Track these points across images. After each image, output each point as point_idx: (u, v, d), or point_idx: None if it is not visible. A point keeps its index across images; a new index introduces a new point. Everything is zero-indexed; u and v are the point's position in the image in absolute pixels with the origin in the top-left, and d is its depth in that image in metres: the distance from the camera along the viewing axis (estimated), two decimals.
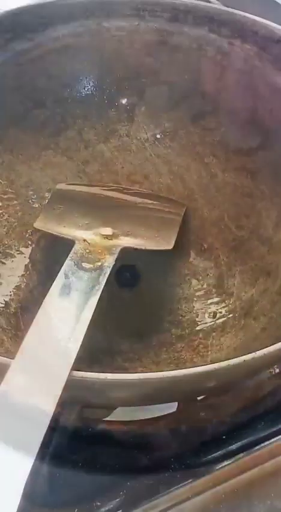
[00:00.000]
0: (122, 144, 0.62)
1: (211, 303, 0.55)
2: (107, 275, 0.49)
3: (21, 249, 0.58)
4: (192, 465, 0.48)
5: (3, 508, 0.32)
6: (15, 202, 0.59)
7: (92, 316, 0.44)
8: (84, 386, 0.38)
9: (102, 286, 0.47)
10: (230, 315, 0.54)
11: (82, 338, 0.41)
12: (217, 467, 0.48)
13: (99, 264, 0.50)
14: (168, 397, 0.44)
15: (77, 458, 0.47)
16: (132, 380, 0.38)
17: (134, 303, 0.56)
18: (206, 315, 0.54)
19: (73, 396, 0.41)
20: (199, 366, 0.38)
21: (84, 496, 0.46)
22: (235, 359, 0.38)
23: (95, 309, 0.45)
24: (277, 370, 0.52)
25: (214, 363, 0.38)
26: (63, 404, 0.44)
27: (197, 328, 0.54)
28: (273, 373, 0.53)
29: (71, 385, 0.37)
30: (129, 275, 0.56)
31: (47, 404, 0.36)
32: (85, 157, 0.62)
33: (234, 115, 0.59)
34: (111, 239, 0.53)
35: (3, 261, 0.56)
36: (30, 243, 0.58)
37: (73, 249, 0.51)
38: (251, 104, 0.58)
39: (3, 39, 0.58)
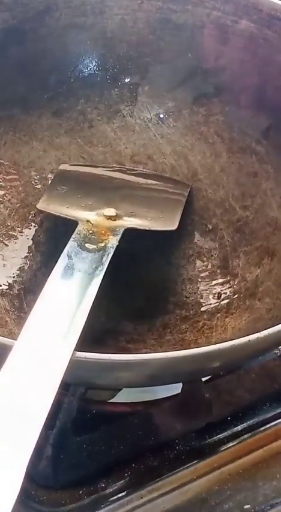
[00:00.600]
0: (126, 124, 0.62)
1: (215, 284, 0.55)
2: (110, 256, 0.48)
3: (24, 230, 0.57)
4: (197, 446, 0.48)
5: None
6: (18, 183, 0.59)
7: (95, 297, 0.44)
8: (87, 367, 0.38)
9: (106, 267, 0.47)
10: (235, 296, 0.53)
11: (85, 319, 0.41)
12: (222, 449, 0.48)
13: (103, 244, 0.50)
14: (172, 378, 0.44)
15: (82, 440, 0.47)
16: (136, 360, 0.38)
17: (138, 284, 0.55)
18: (211, 296, 0.54)
19: (77, 377, 0.41)
20: (203, 347, 0.38)
21: (88, 478, 0.46)
22: (240, 339, 0.38)
23: (98, 290, 0.44)
24: None
25: (218, 344, 0.38)
26: (67, 385, 0.44)
27: (202, 309, 0.53)
28: (278, 353, 0.53)
29: (74, 366, 0.37)
30: (133, 256, 0.55)
31: (50, 385, 0.36)
32: (88, 138, 0.62)
33: (239, 94, 0.59)
34: (114, 220, 0.53)
35: (6, 242, 0.56)
36: (33, 224, 0.58)
37: (76, 229, 0.51)
38: (257, 83, 0.57)
39: (5, 18, 0.57)
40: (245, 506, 0.45)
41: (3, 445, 0.33)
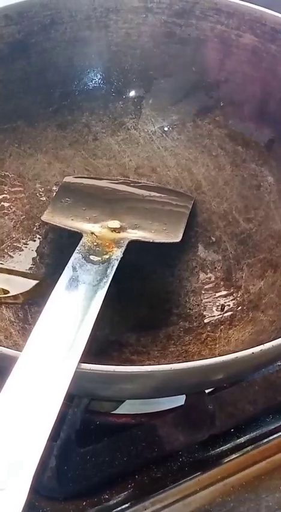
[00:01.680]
0: (130, 137, 0.62)
1: (219, 296, 0.55)
2: (114, 268, 0.48)
3: (28, 242, 0.58)
4: (200, 458, 0.49)
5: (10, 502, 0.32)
6: (22, 195, 0.59)
7: (100, 308, 0.44)
8: (92, 378, 0.38)
9: (110, 279, 0.47)
10: (238, 308, 0.54)
11: (90, 331, 0.41)
12: (225, 461, 0.49)
13: (107, 256, 0.50)
14: (176, 390, 0.44)
15: (85, 451, 0.47)
16: (140, 372, 0.38)
17: (142, 295, 0.56)
18: (214, 308, 0.54)
19: (81, 389, 0.41)
20: (207, 359, 0.38)
21: (92, 489, 0.46)
22: (243, 352, 0.38)
23: (102, 302, 0.44)
24: None
25: (222, 356, 0.38)
26: (71, 397, 0.44)
27: (205, 321, 0.54)
28: None
29: (79, 378, 0.37)
30: (136, 268, 0.56)
31: (55, 397, 0.36)
32: (93, 150, 0.62)
33: (242, 107, 0.59)
34: (119, 232, 0.53)
35: (11, 254, 0.56)
36: (37, 236, 0.58)
37: (81, 241, 0.51)
38: (260, 96, 0.58)
39: (11, 32, 0.58)
40: None
41: (9, 457, 0.33)
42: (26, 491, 0.32)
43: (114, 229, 0.53)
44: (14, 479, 0.32)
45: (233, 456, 0.49)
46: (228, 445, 0.49)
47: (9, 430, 0.35)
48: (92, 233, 0.52)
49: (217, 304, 0.54)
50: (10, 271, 0.55)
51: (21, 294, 0.54)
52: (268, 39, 0.57)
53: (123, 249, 0.51)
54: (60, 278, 0.46)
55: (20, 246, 0.57)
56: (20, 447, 0.34)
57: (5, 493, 0.32)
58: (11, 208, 0.58)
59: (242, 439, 0.49)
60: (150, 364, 0.50)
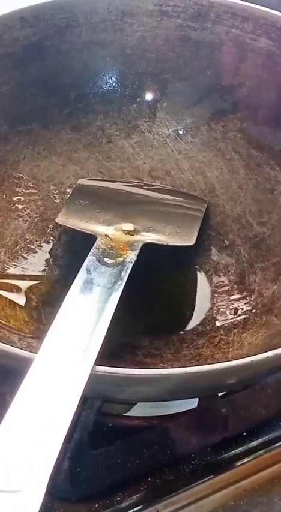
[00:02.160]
0: (144, 140, 0.63)
1: (232, 300, 0.55)
2: (129, 270, 0.49)
3: (42, 244, 0.58)
4: (213, 461, 0.48)
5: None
6: (37, 197, 0.60)
7: (114, 311, 0.44)
8: (107, 381, 0.38)
9: (125, 282, 0.47)
10: (252, 312, 0.54)
11: (105, 333, 0.41)
12: (238, 464, 0.48)
13: (121, 259, 0.50)
14: (189, 393, 0.44)
15: (98, 453, 0.47)
16: (156, 375, 0.38)
17: (155, 298, 0.56)
18: (228, 311, 0.54)
19: (96, 391, 0.41)
20: (220, 362, 0.38)
21: (105, 491, 0.46)
22: (258, 355, 0.38)
23: (116, 304, 0.45)
24: None
25: (235, 359, 0.38)
26: (85, 399, 0.44)
27: (218, 324, 0.54)
28: None
29: (94, 380, 0.37)
30: (150, 270, 0.56)
31: (70, 399, 0.36)
32: (107, 153, 0.62)
33: (257, 111, 0.59)
34: (133, 235, 0.53)
35: (25, 255, 0.57)
36: (51, 238, 0.58)
37: (95, 244, 0.51)
38: (275, 100, 0.58)
39: (26, 35, 0.58)
40: None
41: (26, 459, 0.34)
42: (43, 493, 0.32)
43: (128, 232, 0.54)
44: (30, 481, 0.33)
45: (246, 460, 0.49)
46: (240, 449, 0.49)
47: (25, 432, 0.35)
48: (106, 235, 0.53)
49: (230, 307, 0.54)
50: (24, 273, 0.56)
51: (35, 294, 0.54)
52: None
53: (137, 251, 0.51)
54: (75, 280, 0.46)
55: (34, 247, 0.57)
56: (36, 449, 0.34)
57: (22, 495, 0.32)
58: (25, 210, 0.59)
59: (254, 443, 0.49)
60: (163, 367, 0.50)
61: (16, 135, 0.59)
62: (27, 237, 0.58)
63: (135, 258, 0.50)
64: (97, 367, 0.38)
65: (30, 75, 0.59)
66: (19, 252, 0.57)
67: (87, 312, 0.43)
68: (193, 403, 0.49)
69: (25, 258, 0.56)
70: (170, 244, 0.54)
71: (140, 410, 0.50)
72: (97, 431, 0.48)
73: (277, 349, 0.38)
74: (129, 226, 0.54)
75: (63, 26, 0.59)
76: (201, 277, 0.57)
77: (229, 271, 0.57)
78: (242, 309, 0.54)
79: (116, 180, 0.61)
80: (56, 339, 0.40)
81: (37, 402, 0.36)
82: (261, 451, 0.49)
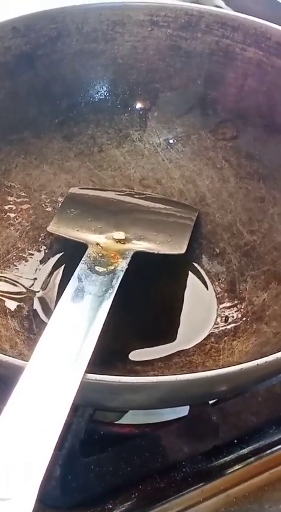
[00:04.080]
0: (135, 149, 0.63)
1: (223, 307, 0.55)
2: (120, 279, 0.49)
3: (34, 252, 0.58)
4: (203, 469, 0.49)
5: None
6: (28, 206, 0.60)
7: (105, 319, 0.44)
8: (98, 389, 0.38)
9: (116, 290, 0.47)
10: (242, 320, 0.54)
11: (95, 341, 0.42)
12: (228, 471, 0.49)
13: (112, 267, 0.50)
14: (180, 401, 0.45)
15: (89, 461, 0.47)
16: (146, 383, 0.38)
17: (147, 306, 0.56)
18: (218, 319, 0.54)
19: (87, 399, 0.41)
20: (211, 370, 0.38)
21: (96, 499, 0.46)
22: (248, 363, 0.38)
23: (107, 313, 0.45)
24: None
25: (226, 367, 0.38)
26: (75, 407, 0.44)
27: (209, 332, 0.54)
28: None
29: (85, 388, 0.37)
30: (141, 279, 0.56)
31: (61, 407, 0.36)
32: (98, 162, 0.62)
33: (247, 120, 0.59)
34: (124, 243, 0.54)
35: (17, 264, 0.57)
36: (43, 246, 0.58)
37: (86, 252, 0.51)
38: (265, 109, 0.58)
39: (17, 44, 0.58)
40: None
41: (16, 467, 0.34)
42: (33, 501, 0.32)
43: (119, 241, 0.54)
44: (21, 489, 0.33)
45: (237, 467, 0.49)
46: (231, 456, 0.49)
47: (16, 439, 0.35)
48: (98, 244, 0.53)
49: (221, 315, 0.55)
50: (15, 281, 0.56)
51: (26, 303, 0.54)
52: (273, 53, 0.57)
53: (128, 260, 0.51)
54: (66, 289, 0.47)
55: (25, 256, 0.58)
56: (26, 457, 0.34)
57: (12, 503, 0.32)
58: (17, 219, 0.59)
59: (245, 450, 0.50)
60: (154, 375, 0.50)
61: (8, 144, 0.59)
62: (19, 246, 0.58)
63: (126, 267, 0.50)
64: (88, 375, 0.38)
65: (22, 85, 0.59)
66: (11, 260, 0.57)
67: (78, 320, 0.43)
68: (184, 411, 0.50)
69: (16, 267, 0.57)
70: (161, 252, 0.55)
71: (131, 418, 0.50)
72: (89, 439, 0.48)
73: (266, 357, 0.38)
74: (120, 235, 0.54)
75: (54, 36, 0.59)
76: (192, 285, 0.57)
77: (219, 279, 0.57)
78: (233, 316, 0.54)
79: (107, 188, 0.61)
80: (47, 347, 0.40)
81: (28, 410, 0.36)
82: (252, 459, 0.49)
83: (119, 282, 0.48)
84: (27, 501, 0.32)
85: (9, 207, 0.59)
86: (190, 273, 0.58)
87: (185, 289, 0.57)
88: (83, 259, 0.50)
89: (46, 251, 0.58)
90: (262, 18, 0.58)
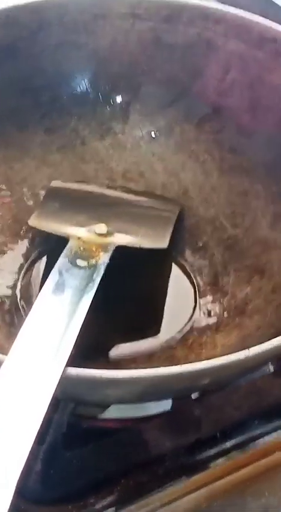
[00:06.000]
0: (118, 142, 0.62)
1: (205, 301, 0.55)
2: (101, 273, 0.49)
3: (15, 246, 0.58)
4: (186, 463, 0.49)
5: None
6: (9, 199, 0.59)
7: (86, 313, 0.44)
8: (78, 383, 0.38)
9: (97, 284, 0.47)
10: (225, 313, 0.54)
11: (76, 335, 0.41)
12: (211, 465, 0.49)
13: (94, 261, 0.50)
14: (162, 395, 0.44)
15: (71, 455, 0.47)
16: (127, 377, 0.38)
17: (129, 301, 0.56)
18: (201, 313, 0.54)
19: (67, 393, 0.41)
20: (193, 363, 0.38)
21: (78, 493, 0.46)
22: (229, 356, 0.38)
23: (89, 307, 0.45)
24: (271, 368, 0.53)
25: (208, 360, 0.38)
26: (57, 401, 0.44)
27: (192, 326, 0.54)
28: (267, 371, 0.53)
29: (65, 382, 0.37)
30: (123, 272, 0.56)
31: (40, 401, 0.36)
32: (80, 155, 0.62)
33: (229, 113, 0.59)
34: (105, 237, 0.53)
35: None
36: (25, 240, 0.58)
37: (67, 246, 0.51)
38: (247, 102, 0.58)
39: None
40: None
41: None
42: (11, 496, 0.32)
43: (101, 234, 0.54)
44: None
45: (219, 461, 0.49)
46: (214, 450, 0.49)
47: None
48: (79, 238, 0.53)
49: (204, 309, 0.55)
50: None
51: (7, 297, 0.54)
52: (255, 46, 0.57)
53: (110, 254, 0.51)
54: (46, 282, 0.46)
55: (6, 249, 0.57)
56: (4, 451, 0.34)
57: None
58: None
59: (227, 444, 0.50)
60: (136, 369, 0.50)
61: None
62: (0, 239, 0.57)
63: (108, 260, 0.50)
64: (68, 368, 0.37)
65: (3, 77, 0.58)
66: None
67: (58, 314, 0.43)
68: (167, 405, 0.49)
69: None
70: (143, 246, 0.54)
71: (114, 412, 0.50)
72: (71, 433, 0.48)
73: (247, 350, 0.38)
74: (102, 229, 0.54)
75: (35, 28, 0.59)
76: (174, 279, 0.57)
77: (202, 273, 0.57)
78: (216, 310, 0.54)
79: (89, 182, 0.61)
80: (27, 341, 0.40)
81: (7, 403, 0.36)
82: (234, 452, 0.49)
83: (100, 276, 0.48)
84: (5, 496, 0.32)
85: None
86: (172, 266, 0.58)
87: (167, 283, 0.57)
88: (64, 252, 0.50)
89: (27, 245, 0.58)
90: (249, 10, 0.58)
